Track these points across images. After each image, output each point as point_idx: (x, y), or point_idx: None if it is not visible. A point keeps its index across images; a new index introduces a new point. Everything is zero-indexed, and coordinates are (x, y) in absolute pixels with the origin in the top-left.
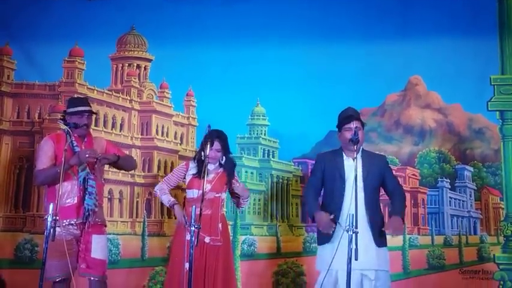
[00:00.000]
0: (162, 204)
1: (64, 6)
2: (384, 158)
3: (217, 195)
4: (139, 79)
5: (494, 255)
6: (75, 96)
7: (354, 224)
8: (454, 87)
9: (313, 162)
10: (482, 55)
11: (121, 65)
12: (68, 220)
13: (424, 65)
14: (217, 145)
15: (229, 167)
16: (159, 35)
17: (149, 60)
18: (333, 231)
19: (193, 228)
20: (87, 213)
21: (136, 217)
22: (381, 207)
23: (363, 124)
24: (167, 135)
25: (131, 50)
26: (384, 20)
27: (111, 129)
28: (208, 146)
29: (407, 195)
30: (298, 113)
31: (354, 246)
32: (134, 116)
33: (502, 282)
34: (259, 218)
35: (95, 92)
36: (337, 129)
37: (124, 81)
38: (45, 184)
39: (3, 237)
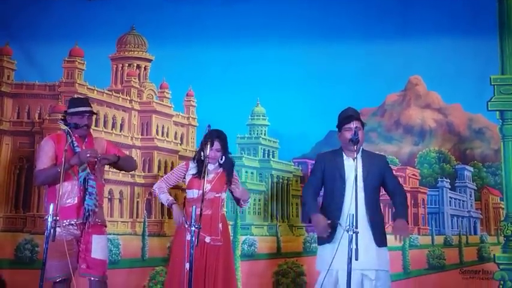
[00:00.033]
0: (162, 204)
1: (64, 6)
2: (384, 158)
3: (217, 195)
4: (139, 79)
5: (494, 255)
6: (75, 96)
7: (354, 224)
8: (454, 87)
9: (313, 162)
10: (482, 55)
11: (121, 65)
12: (68, 220)
13: (424, 65)
14: (217, 145)
15: (228, 167)
16: (159, 35)
17: (149, 60)
18: (335, 232)
19: (193, 229)
20: (87, 214)
21: (137, 217)
22: (381, 207)
23: (363, 124)
24: (167, 136)
25: (131, 50)
26: (384, 19)
27: (111, 130)
28: (209, 146)
29: (408, 195)
30: (298, 113)
31: (354, 246)
32: (134, 116)
33: (502, 282)
34: (260, 218)
35: (95, 92)
36: (337, 129)
37: (124, 82)
38: (45, 184)
39: (3, 237)
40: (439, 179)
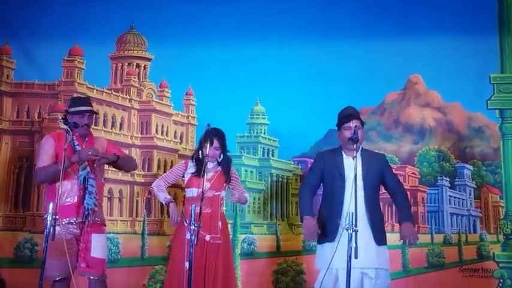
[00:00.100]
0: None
1: (63, 5)
2: (384, 156)
3: (216, 193)
4: (138, 78)
5: (493, 253)
6: (75, 95)
7: (354, 222)
8: (453, 86)
9: (313, 161)
10: (482, 54)
11: (120, 64)
12: (67, 219)
13: (423, 63)
14: (216, 143)
15: (226, 165)
16: (158, 34)
17: (149, 59)
18: (335, 231)
19: (193, 227)
20: (86, 213)
21: (136, 216)
22: (381, 206)
23: (362, 123)
24: (167, 134)
25: (131, 49)
26: (384, 18)
27: (111, 129)
28: (208, 144)
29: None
30: (298, 112)
31: (353, 245)
32: (134, 115)
33: (501, 281)
34: (259, 216)
35: (95, 91)
36: (336, 128)
37: (123, 81)
38: (45, 182)
39: (3, 236)
40: (439, 178)
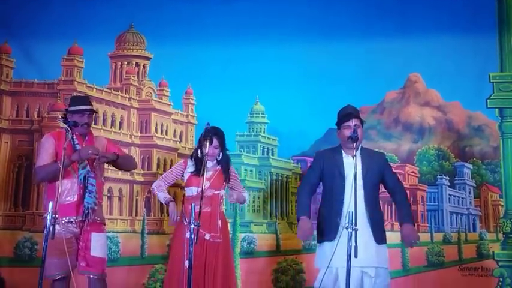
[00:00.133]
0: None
1: (63, 4)
2: (383, 155)
3: (216, 192)
4: (138, 77)
5: (493, 252)
6: (74, 94)
7: (354, 221)
8: (453, 85)
9: (312, 160)
10: (482, 53)
11: (120, 63)
12: (67, 218)
13: (423, 62)
14: (215, 142)
15: (225, 164)
16: (158, 33)
17: (148, 58)
18: (335, 230)
19: (192, 226)
20: (86, 212)
21: (136, 215)
22: (381, 205)
23: (362, 122)
24: (166, 133)
25: (130, 48)
26: (384, 18)
27: (110, 128)
28: (208, 143)
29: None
30: (298, 111)
31: (353, 244)
32: (133, 114)
33: (501, 279)
34: (259, 215)
35: (94, 90)
36: (336, 127)
37: (123, 79)
38: (45, 180)
39: (2, 235)
40: (438, 177)
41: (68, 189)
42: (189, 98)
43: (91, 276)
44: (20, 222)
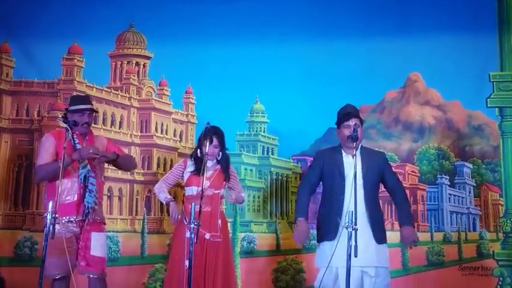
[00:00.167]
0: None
1: (63, 4)
2: (383, 154)
3: (216, 191)
4: (138, 77)
5: (493, 251)
6: (74, 93)
7: (354, 221)
8: (453, 84)
9: (312, 159)
10: (482, 52)
11: (120, 62)
12: (67, 217)
13: (423, 62)
14: (215, 141)
15: (224, 163)
16: (158, 33)
17: (148, 58)
18: (336, 230)
19: (192, 226)
20: (87, 211)
21: (136, 215)
22: (381, 204)
23: (361, 121)
24: (166, 133)
25: (130, 48)
26: (384, 17)
27: (110, 127)
28: (208, 143)
29: (407, 192)
30: (298, 110)
31: (353, 243)
32: (133, 113)
33: (501, 279)
34: (259, 215)
35: (94, 89)
36: (336, 127)
37: (123, 79)
38: (45, 180)
39: (2, 235)
40: (438, 176)
41: (68, 188)
42: (189, 98)
43: (91, 276)
44: (20, 222)
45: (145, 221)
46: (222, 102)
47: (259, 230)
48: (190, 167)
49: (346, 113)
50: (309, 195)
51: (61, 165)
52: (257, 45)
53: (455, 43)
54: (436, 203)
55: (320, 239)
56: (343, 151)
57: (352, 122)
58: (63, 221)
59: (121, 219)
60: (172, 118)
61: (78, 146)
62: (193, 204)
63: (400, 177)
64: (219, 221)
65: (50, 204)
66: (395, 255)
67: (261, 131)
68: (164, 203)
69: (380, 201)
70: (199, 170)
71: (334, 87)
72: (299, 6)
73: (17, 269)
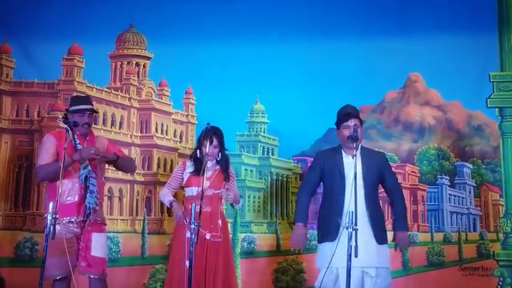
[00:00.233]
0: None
1: (63, 4)
2: (383, 155)
3: (216, 191)
4: (138, 77)
5: (493, 252)
6: (74, 94)
7: (354, 221)
8: (453, 84)
9: (313, 159)
10: (482, 52)
11: (120, 62)
12: (68, 218)
13: (423, 62)
14: (215, 142)
15: (224, 163)
16: (158, 33)
17: (148, 58)
18: (336, 231)
19: (193, 226)
20: (88, 212)
21: (136, 215)
22: (381, 204)
23: (361, 122)
24: (166, 133)
25: (130, 48)
26: (384, 17)
27: (111, 127)
28: (208, 143)
29: (407, 192)
30: (298, 111)
31: (353, 244)
32: (133, 114)
33: (501, 279)
34: (259, 215)
35: (94, 90)
36: (335, 127)
37: (123, 79)
38: (46, 180)
39: (3, 235)
40: (439, 176)
41: (69, 189)
42: (189, 98)
43: (92, 276)
44: (20, 223)
45: (146, 221)
46: (222, 103)
47: (260, 230)
48: (189, 167)
49: (346, 114)
50: (309, 198)
51: (61, 166)
52: (257, 45)
53: (455, 43)
54: (436, 203)
55: (321, 240)
56: (343, 151)
57: (351, 122)
58: (63, 222)
59: (121, 219)
60: (173, 118)
61: (79, 147)
62: (193, 204)
63: (400, 177)
64: (219, 221)
65: (51, 204)
66: (395, 255)
67: (261, 131)
68: (168, 205)
69: (380, 201)
70: (198, 170)
71: (334, 87)
72: (299, 6)
73: (17, 270)
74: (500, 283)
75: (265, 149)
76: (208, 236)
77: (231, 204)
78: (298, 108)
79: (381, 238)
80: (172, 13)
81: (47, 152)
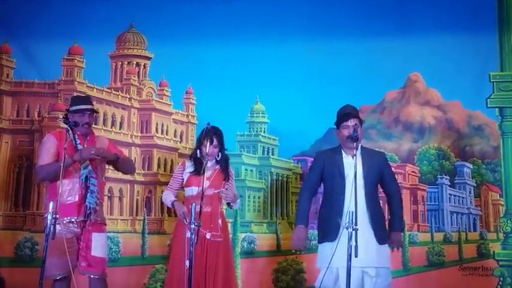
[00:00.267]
0: (162, 202)
1: (63, 4)
2: (384, 154)
3: (216, 191)
4: (138, 77)
5: (493, 251)
6: (75, 94)
7: (354, 221)
8: (453, 84)
9: (313, 159)
10: (482, 52)
11: (120, 63)
12: (68, 218)
13: (423, 62)
14: (215, 142)
15: (224, 163)
16: (158, 33)
17: (148, 58)
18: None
19: (193, 226)
20: (88, 212)
21: (137, 215)
22: (381, 204)
23: (361, 121)
24: (167, 133)
25: (130, 48)
26: (384, 17)
27: (111, 128)
28: (208, 143)
29: (407, 192)
30: (298, 111)
31: (353, 244)
32: (134, 114)
33: (501, 279)
34: (259, 215)
35: (94, 90)
36: (335, 127)
37: (123, 79)
38: (46, 180)
39: (3, 235)
40: (439, 176)
41: (69, 189)
42: (189, 98)
43: (92, 276)
44: (20, 223)
45: (146, 221)
46: (222, 103)
47: (260, 230)
48: (189, 167)
49: (345, 114)
50: (310, 199)
51: (62, 166)
52: (257, 45)
53: (455, 43)
54: (437, 203)
55: (321, 240)
56: (343, 151)
57: (351, 122)
58: (64, 222)
59: (121, 219)
60: (173, 118)
61: (80, 147)
62: (193, 204)
63: (400, 177)
64: (219, 221)
65: (51, 204)
66: (395, 255)
67: (261, 131)
68: (170, 206)
69: (380, 201)
70: (198, 170)
71: (334, 87)
72: (299, 6)
73: (17, 270)
74: (500, 283)
75: (265, 149)
76: (208, 236)
77: (228, 204)
78: (298, 108)
79: (381, 238)
80: (172, 13)
81: (47, 152)
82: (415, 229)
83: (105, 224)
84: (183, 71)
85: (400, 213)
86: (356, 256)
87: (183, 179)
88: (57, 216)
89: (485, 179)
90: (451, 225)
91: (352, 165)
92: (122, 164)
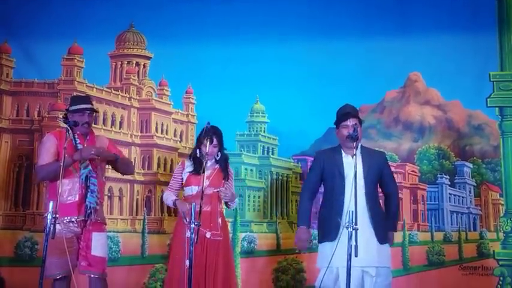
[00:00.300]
0: (161, 201)
1: (63, 4)
2: (383, 154)
3: (215, 190)
4: (138, 77)
5: (493, 251)
6: (75, 94)
7: (354, 220)
8: (453, 84)
9: (313, 159)
10: (482, 52)
11: (120, 62)
12: (68, 217)
13: (423, 61)
14: (215, 141)
15: (223, 162)
16: (158, 33)
17: (148, 58)
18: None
19: (193, 225)
20: (89, 211)
21: (136, 215)
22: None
23: (360, 121)
24: (167, 133)
25: (130, 48)
26: (384, 17)
27: (111, 127)
28: (208, 142)
29: (407, 192)
30: (298, 110)
31: (353, 243)
32: (133, 113)
33: (501, 278)
34: (259, 215)
35: (94, 89)
36: (335, 127)
37: (123, 79)
38: (46, 180)
39: (3, 235)
40: (439, 176)
41: (69, 188)
42: (189, 98)
43: (92, 276)
44: (20, 222)
45: (146, 221)
46: (222, 102)
47: (260, 229)
48: (188, 167)
49: (345, 113)
50: (311, 200)
51: (62, 166)
52: (257, 45)
53: (455, 43)
54: (437, 202)
55: (321, 240)
56: (342, 151)
57: (350, 122)
58: (64, 221)
59: (121, 219)
60: (173, 118)
61: (80, 146)
62: (193, 204)
63: (400, 177)
64: (219, 220)
65: (51, 204)
66: (395, 254)
67: (261, 131)
68: (172, 206)
69: (381, 200)
70: (198, 169)
71: (334, 87)
72: (299, 6)
73: (17, 269)
74: (500, 282)
75: (265, 149)
76: (208, 235)
77: (226, 204)
78: (298, 108)
79: (382, 237)
80: (172, 13)
81: (47, 151)
82: (415, 228)
83: (105, 224)
84: (183, 71)
85: (396, 214)
86: (356, 256)
87: (182, 179)
88: (57, 215)
89: (485, 179)
90: (451, 224)
91: (352, 165)
92: (121, 165)
